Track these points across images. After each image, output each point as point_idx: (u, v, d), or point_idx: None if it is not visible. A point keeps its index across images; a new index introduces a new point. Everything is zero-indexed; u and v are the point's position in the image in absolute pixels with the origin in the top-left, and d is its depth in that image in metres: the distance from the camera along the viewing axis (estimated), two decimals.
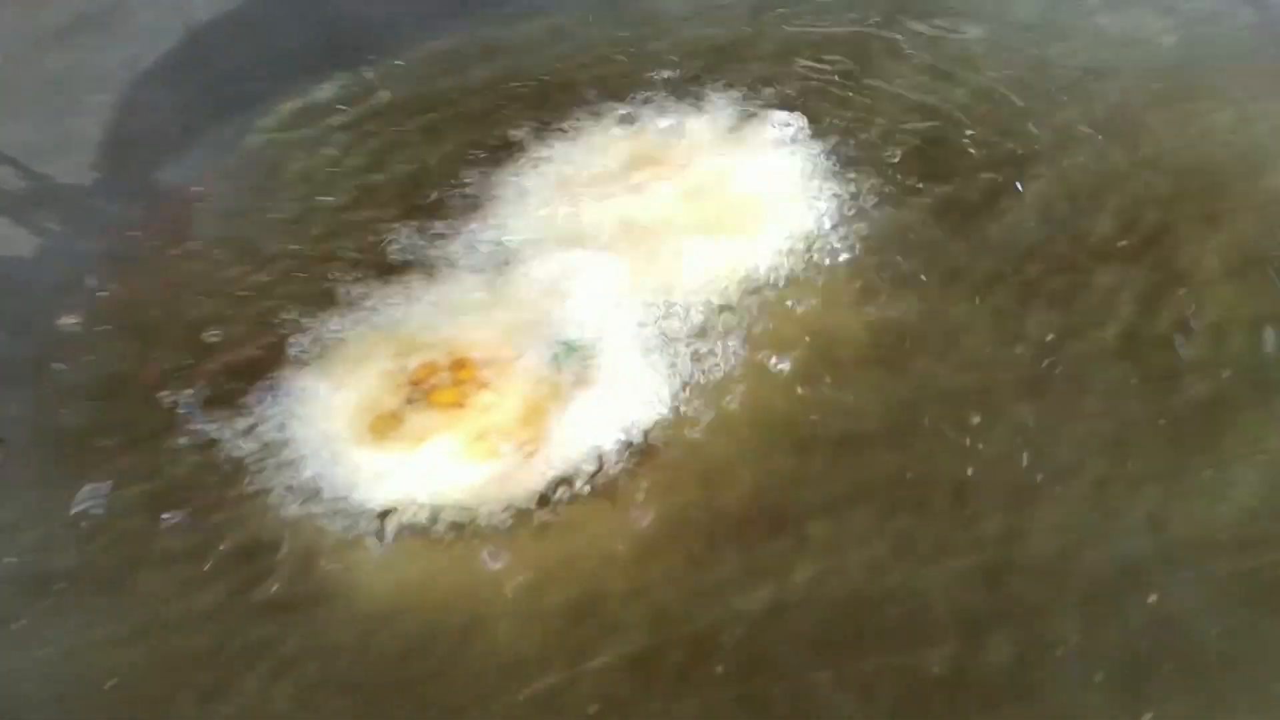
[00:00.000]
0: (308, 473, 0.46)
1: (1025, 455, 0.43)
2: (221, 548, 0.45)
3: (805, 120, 0.57)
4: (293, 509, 0.45)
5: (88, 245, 0.61)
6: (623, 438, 0.46)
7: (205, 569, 0.45)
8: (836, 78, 0.61)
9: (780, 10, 0.67)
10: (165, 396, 0.51)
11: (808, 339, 0.48)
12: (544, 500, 0.45)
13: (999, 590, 0.40)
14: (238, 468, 0.47)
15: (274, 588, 0.44)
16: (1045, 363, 0.46)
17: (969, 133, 0.56)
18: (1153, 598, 0.39)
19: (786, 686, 0.39)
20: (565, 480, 0.45)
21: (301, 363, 0.50)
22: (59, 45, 0.70)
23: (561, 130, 0.59)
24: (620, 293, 0.50)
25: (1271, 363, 0.45)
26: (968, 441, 0.44)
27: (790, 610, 0.40)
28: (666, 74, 0.62)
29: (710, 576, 0.42)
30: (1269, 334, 0.46)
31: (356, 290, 0.53)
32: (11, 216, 0.62)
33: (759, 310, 0.50)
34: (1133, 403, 0.45)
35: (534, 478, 0.45)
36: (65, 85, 0.68)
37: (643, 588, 0.42)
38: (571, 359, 0.47)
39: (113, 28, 0.71)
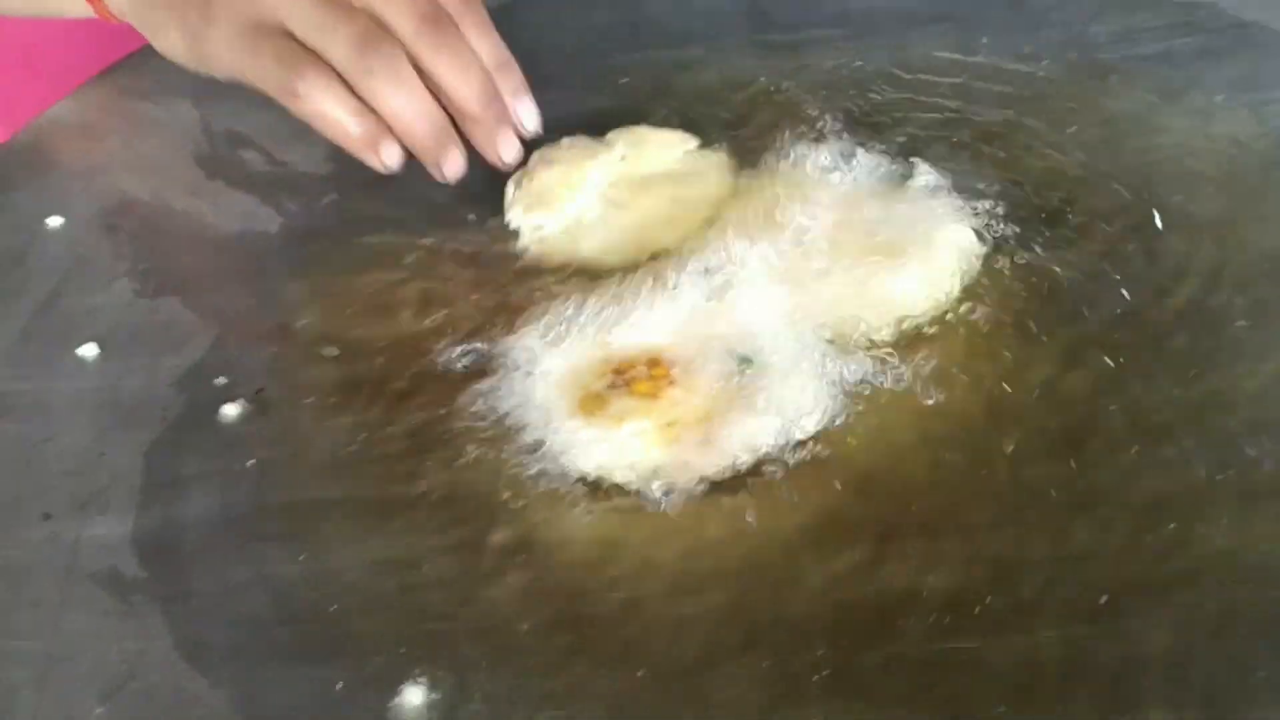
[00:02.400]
0: (528, 437, 0.56)
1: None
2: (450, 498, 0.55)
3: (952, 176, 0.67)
4: (514, 468, 0.55)
5: (322, 225, 0.72)
6: (785, 440, 0.55)
7: (438, 515, 0.54)
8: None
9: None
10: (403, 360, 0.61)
11: (960, 376, 0.57)
12: (716, 485, 0.54)
13: None
14: (469, 430, 0.57)
15: (492, 535, 0.53)
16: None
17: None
18: None
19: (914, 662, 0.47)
20: (734, 469, 0.54)
21: (524, 349, 0.60)
22: None
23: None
24: (800, 321, 0.59)
25: None
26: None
27: (918, 600, 0.48)
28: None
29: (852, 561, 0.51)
30: None
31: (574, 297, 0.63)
32: (260, 196, 0.74)
33: (917, 346, 0.59)
34: None
35: (707, 465, 0.54)
36: None
37: (796, 566, 0.51)
38: (749, 371, 0.57)
39: None
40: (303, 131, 0.68)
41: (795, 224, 0.64)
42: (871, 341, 0.59)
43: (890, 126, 0.73)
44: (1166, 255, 0.63)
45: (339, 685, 0.47)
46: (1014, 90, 0.75)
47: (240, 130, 0.76)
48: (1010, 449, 0.54)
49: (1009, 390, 0.57)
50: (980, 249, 0.64)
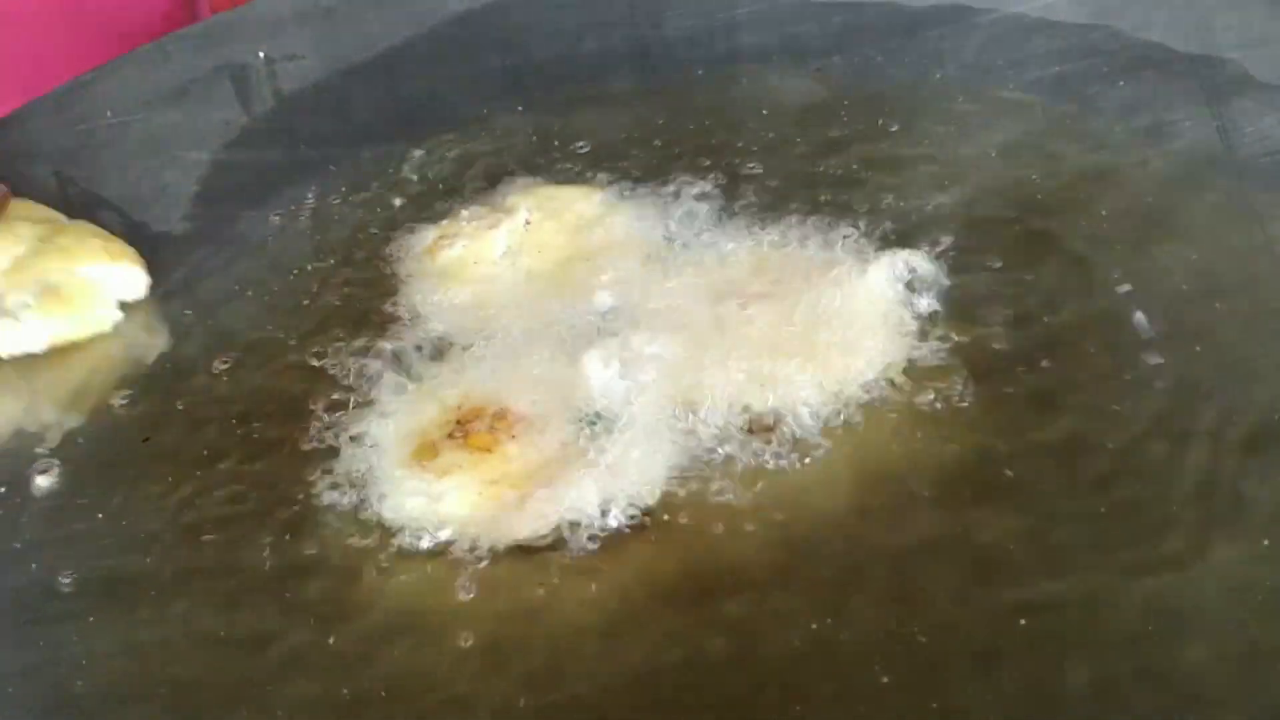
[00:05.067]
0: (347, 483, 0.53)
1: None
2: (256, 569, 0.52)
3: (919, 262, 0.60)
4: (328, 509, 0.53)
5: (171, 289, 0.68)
6: (611, 510, 0.50)
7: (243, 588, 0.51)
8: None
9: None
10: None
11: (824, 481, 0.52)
12: (524, 549, 0.50)
13: None
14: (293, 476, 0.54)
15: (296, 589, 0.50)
16: None
17: None
18: None
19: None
20: (553, 534, 0.50)
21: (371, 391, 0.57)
22: (166, 107, 0.79)
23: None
24: (669, 387, 0.54)
25: None
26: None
27: (723, 666, 0.46)
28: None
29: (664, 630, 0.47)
30: None
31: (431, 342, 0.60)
32: None
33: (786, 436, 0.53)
34: None
35: (520, 528, 0.50)
36: (167, 143, 0.77)
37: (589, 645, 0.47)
38: (595, 430, 0.53)
39: (213, 93, 0.80)
40: (167, 189, 0.67)
41: (691, 283, 0.60)
42: (739, 418, 0.54)
43: (780, 163, 0.69)
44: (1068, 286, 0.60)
45: None
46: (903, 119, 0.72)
47: (100, 194, 0.74)
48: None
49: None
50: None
